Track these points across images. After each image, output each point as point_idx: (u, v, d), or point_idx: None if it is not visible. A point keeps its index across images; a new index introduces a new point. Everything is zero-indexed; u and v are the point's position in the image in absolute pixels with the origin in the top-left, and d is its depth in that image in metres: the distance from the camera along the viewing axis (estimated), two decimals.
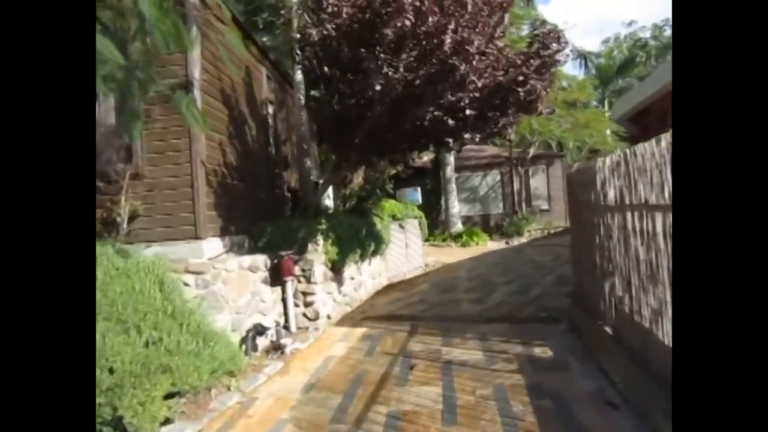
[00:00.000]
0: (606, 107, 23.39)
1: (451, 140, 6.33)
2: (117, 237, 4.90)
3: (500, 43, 5.39)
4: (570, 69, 25.75)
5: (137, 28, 3.10)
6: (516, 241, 15.41)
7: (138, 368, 3.50)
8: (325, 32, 5.23)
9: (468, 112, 5.43)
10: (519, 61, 5.33)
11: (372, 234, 8.25)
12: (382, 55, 4.82)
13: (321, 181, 8.26)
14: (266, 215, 7.07)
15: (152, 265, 4.48)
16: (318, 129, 8.24)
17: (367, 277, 8.49)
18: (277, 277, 6.01)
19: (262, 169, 7.62)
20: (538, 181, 18.22)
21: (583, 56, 26.21)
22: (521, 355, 4.74)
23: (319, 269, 6.38)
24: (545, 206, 18.02)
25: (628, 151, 3.50)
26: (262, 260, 5.80)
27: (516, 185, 17.69)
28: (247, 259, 5.51)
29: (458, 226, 16.46)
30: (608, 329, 4.50)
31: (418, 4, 4.61)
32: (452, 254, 13.20)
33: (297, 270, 6.22)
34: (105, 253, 4.41)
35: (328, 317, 6.57)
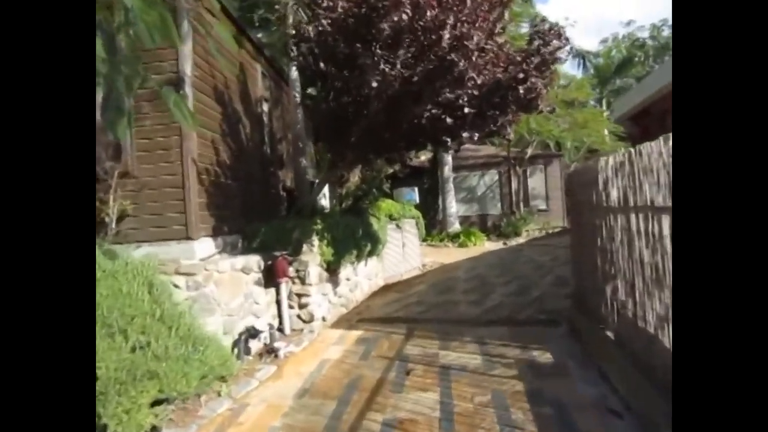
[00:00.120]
0: (604, 107, 23.32)
1: (449, 139, 6.19)
2: (105, 237, 4.75)
3: (500, 40, 5.27)
4: (568, 68, 25.70)
5: (122, 20, 2.97)
6: (514, 242, 15.31)
7: (123, 374, 3.37)
8: (320, 28, 5.09)
9: (467, 110, 5.30)
10: (519, 58, 5.20)
11: (368, 234, 8.13)
12: (378, 51, 4.69)
13: (317, 181, 8.12)
14: (261, 215, 6.93)
15: (141, 266, 4.34)
16: (314, 127, 8.10)
17: (363, 278, 8.36)
18: (271, 278, 5.88)
19: (256, 167, 7.47)
20: (536, 181, 18.14)
21: (581, 56, 26.14)
22: (521, 360, 4.62)
23: (314, 270, 6.25)
24: (543, 206, 17.94)
25: (632, 151, 3.38)
26: (255, 261, 5.66)
27: (514, 185, 17.59)
28: (240, 260, 5.38)
29: (456, 226, 16.35)
30: (610, 334, 4.39)
31: None
32: (450, 254, 13.09)
33: (291, 271, 6.08)
34: None
35: (323, 319, 6.44)
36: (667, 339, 3.13)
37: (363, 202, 8.94)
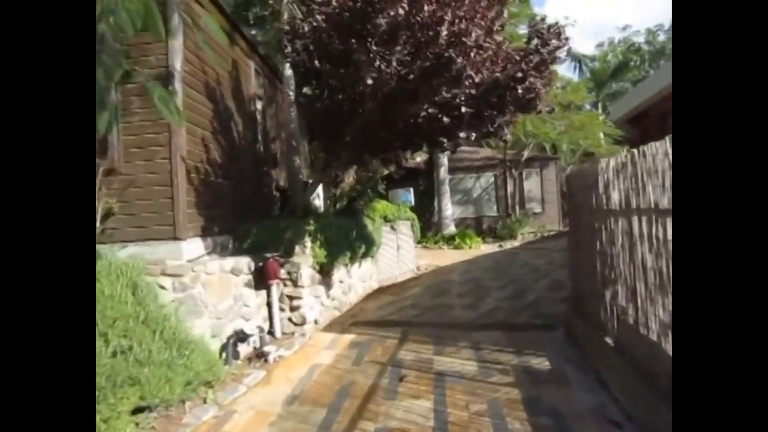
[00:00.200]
0: (600, 110, 23.33)
1: (445, 139, 6.08)
2: None
3: (498, 38, 5.15)
4: (565, 71, 25.72)
5: (103, 7, 2.83)
6: (509, 244, 15.21)
7: (103, 381, 3.21)
8: (314, 23, 4.96)
9: (464, 109, 5.18)
10: (518, 57, 5.09)
11: (363, 236, 7.99)
12: (374, 48, 4.56)
13: (310, 181, 7.98)
14: (253, 215, 6.78)
15: (125, 267, 4.18)
16: (308, 126, 7.96)
17: (357, 280, 8.22)
18: (261, 280, 5.72)
19: (249, 166, 7.32)
20: (531, 184, 18.07)
21: (578, 59, 26.17)
22: (517, 366, 4.50)
23: (307, 272, 6.11)
24: (538, 209, 17.87)
25: (635, 152, 3.27)
26: (245, 262, 5.50)
27: (509, 188, 17.51)
28: (230, 262, 5.22)
29: (451, 229, 16.24)
30: (609, 340, 4.28)
31: None
32: (445, 257, 12.97)
33: (283, 273, 5.93)
34: None
35: (316, 322, 6.29)
36: (670, 347, 3.02)
37: (357, 203, 8.80)
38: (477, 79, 4.84)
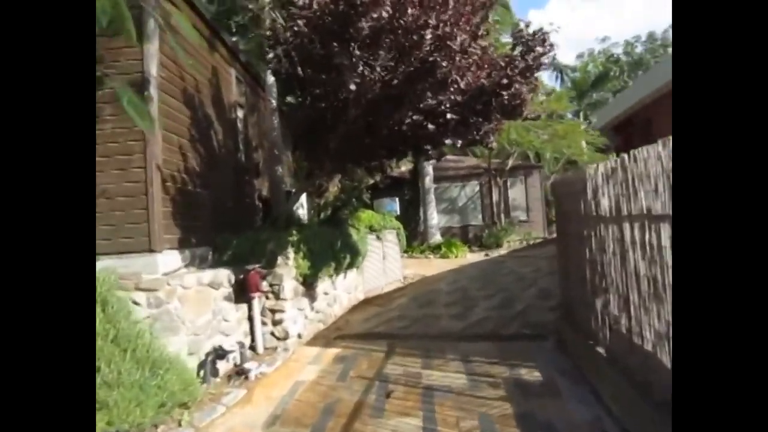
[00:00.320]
0: (581, 119, 23.66)
1: (430, 147, 5.98)
2: None
3: (483, 43, 5.09)
4: (547, 81, 26.06)
5: None
6: (495, 253, 15.17)
7: None
8: (296, 28, 4.83)
9: (449, 116, 5.09)
10: (503, 63, 5.03)
11: (348, 246, 7.82)
12: (357, 52, 4.44)
13: (293, 190, 7.80)
14: (234, 226, 6.56)
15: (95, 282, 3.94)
16: (292, 134, 7.80)
17: (342, 291, 8.03)
18: (242, 293, 5.50)
19: (229, 176, 7.12)
20: (516, 192, 18.14)
21: (559, 69, 26.59)
22: (508, 379, 4.36)
23: (290, 284, 5.90)
24: (524, 217, 17.92)
25: (626, 156, 3.19)
26: (225, 275, 5.28)
27: (495, 196, 17.54)
28: (208, 275, 5.00)
29: (437, 238, 16.15)
30: (601, 350, 4.17)
31: None
32: (431, 266, 12.84)
33: (265, 285, 5.72)
34: None
35: (299, 336, 6.08)
36: (666, 357, 2.92)
37: (342, 212, 8.63)
38: (462, 85, 4.75)
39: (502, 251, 15.51)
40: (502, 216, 17.42)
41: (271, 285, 5.79)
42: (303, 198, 8.57)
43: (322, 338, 6.34)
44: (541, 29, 5.16)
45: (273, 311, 5.78)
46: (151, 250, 4.73)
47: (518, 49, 5.24)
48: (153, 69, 4.88)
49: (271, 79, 7.49)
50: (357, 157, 6.24)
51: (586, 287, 4.52)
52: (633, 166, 3.08)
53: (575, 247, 4.87)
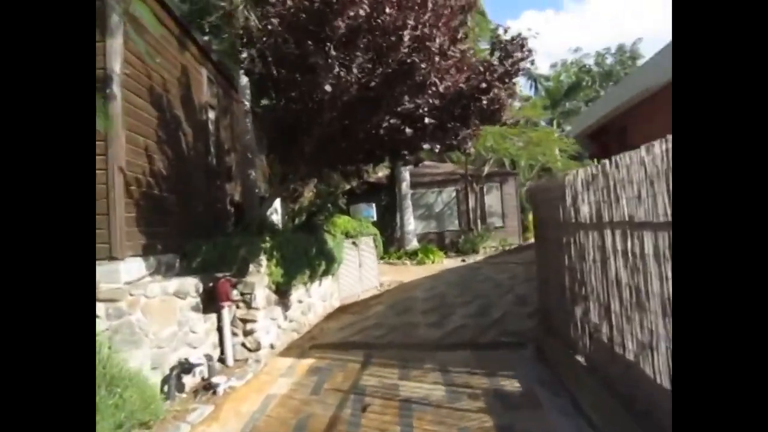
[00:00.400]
0: (554, 127, 24.08)
1: (408, 152, 5.87)
2: None
3: (463, 46, 5.03)
4: (521, 89, 26.45)
5: None
6: (472, 259, 15.18)
7: None
8: (269, 27, 4.65)
9: (427, 120, 4.99)
10: (482, 68, 4.97)
11: (323, 252, 7.62)
12: (333, 52, 4.29)
13: (267, 195, 7.56)
14: (204, 232, 6.28)
15: None
16: (266, 137, 7.57)
17: (317, 299, 7.81)
18: (211, 302, 5.24)
19: (200, 180, 6.83)
20: (492, 199, 18.25)
21: (533, 78, 27.07)
22: (487, 390, 4.25)
23: (262, 293, 5.67)
24: (499, 223, 18.04)
25: (607, 163, 3.14)
26: (192, 284, 5.02)
27: (471, 202, 17.61)
28: (174, 284, 4.73)
29: (414, 244, 16.07)
30: (580, 358, 4.12)
31: None
32: (408, 273, 12.73)
33: (236, 294, 5.47)
34: None
35: (272, 347, 5.84)
36: (649, 367, 2.85)
37: (317, 218, 8.43)
38: (441, 88, 4.66)
39: (479, 257, 15.54)
40: (479, 222, 17.49)
41: (242, 294, 5.54)
42: (277, 203, 8.33)
43: (296, 348, 6.12)
44: (519, 34, 5.13)
45: (244, 321, 5.53)
46: (113, 258, 4.44)
47: (497, 54, 5.19)
48: (116, 66, 4.61)
49: (244, 80, 7.26)
50: (333, 162, 6.07)
51: (565, 295, 4.47)
52: (615, 172, 3.02)
53: (554, 254, 4.83)
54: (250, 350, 5.50)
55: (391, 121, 5.08)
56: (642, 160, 2.61)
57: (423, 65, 4.35)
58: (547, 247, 5.24)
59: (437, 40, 4.38)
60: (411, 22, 4.23)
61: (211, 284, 5.26)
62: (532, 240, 17.09)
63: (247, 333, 5.52)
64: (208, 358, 4.83)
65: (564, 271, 4.44)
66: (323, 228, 8.28)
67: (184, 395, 4.43)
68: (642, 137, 3.30)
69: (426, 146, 5.31)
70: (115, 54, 4.60)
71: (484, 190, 17.99)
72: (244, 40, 5.27)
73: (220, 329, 5.34)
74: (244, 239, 5.98)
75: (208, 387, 4.54)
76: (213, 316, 5.30)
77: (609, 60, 30.69)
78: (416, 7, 4.33)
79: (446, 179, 18.11)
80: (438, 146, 5.41)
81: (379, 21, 4.15)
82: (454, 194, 18.15)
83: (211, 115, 7.53)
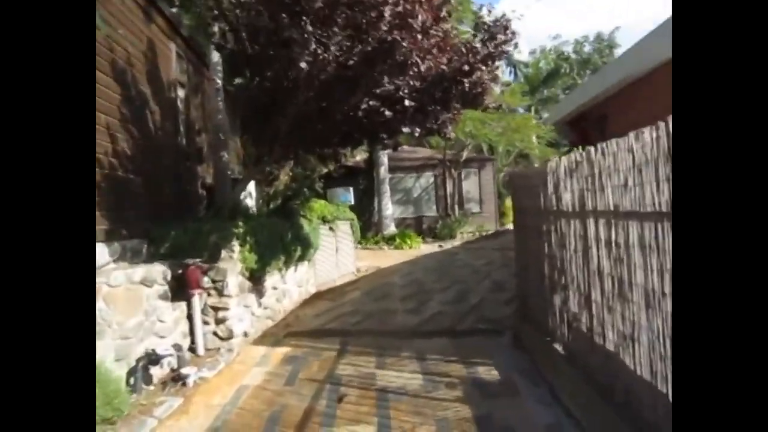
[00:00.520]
0: (532, 114, 24.19)
1: (387, 135, 5.71)
2: None
3: (446, 26, 4.85)
4: (501, 75, 26.38)
5: None
6: (449, 244, 15.22)
7: None
8: None
9: (407, 103, 4.82)
10: (464, 50, 4.81)
11: (299, 238, 7.42)
12: (309, 28, 4.05)
13: (241, 178, 7.29)
14: (174, 216, 6.00)
15: None
16: (239, 117, 7.26)
17: (292, 285, 7.64)
18: (181, 290, 5.02)
19: (169, 161, 6.51)
20: (470, 184, 18.29)
21: (513, 65, 27.04)
22: (465, 379, 4.21)
23: (234, 280, 5.46)
24: (477, 209, 18.13)
25: (592, 150, 3.05)
26: (160, 271, 4.78)
27: (449, 188, 17.60)
28: (140, 271, 4.48)
29: (391, 229, 16.00)
30: (559, 347, 4.09)
31: None
32: (385, 258, 12.66)
33: (207, 281, 5.25)
34: None
35: (245, 335, 5.67)
36: (629, 358, 2.82)
37: (293, 202, 8.20)
38: (423, 68, 4.49)
39: (456, 242, 15.60)
40: (456, 208, 17.53)
41: (213, 281, 5.32)
42: (251, 186, 8.05)
43: (271, 336, 5.96)
44: (503, 15, 4.99)
45: (216, 309, 5.32)
46: None
47: (480, 35, 5.04)
48: None
49: (216, 57, 6.91)
50: (309, 144, 5.86)
51: (544, 283, 4.43)
52: (600, 159, 2.93)
53: (533, 242, 4.78)
54: (222, 339, 5.31)
55: (370, 102, 4.90)
56: (630, 147, 2.52)
57: (404, 43, 4.15)
58: (526, 234, 5.18)
59: (419, 17, 4.19)
60: None
61: (180, 271, 5.03)
62: (508, 226, 17.32)
63: (219, 321, 5.32)
64: (177, 348, 4.63)
65: (543, 259, 4.39)
66: (299, 213, 8.06)
67: (151, 388, 4.23)
68: (622, 125, 3.24)
69: (406, 130, 5.15)
70: None
71: (462, 175, 17.99)
72: (215, 12, 4.95)
73: (190, 318, 5.13)
74: (215, 224, 5.74)
75: (177, 378, 4.35)
76: (183, 305, 5.08)
77: (587, 48, 30.93)
78: None
79: (424, 164, 18.02)
80: (418, 130, 5.26)
81: None
82: (432, 179, 18.09)
83: (181, 93, 7.16)
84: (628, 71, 4.91)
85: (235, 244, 5.58)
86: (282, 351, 5.30)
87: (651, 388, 2.52)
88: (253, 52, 4.80)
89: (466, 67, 4.75)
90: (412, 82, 4.65)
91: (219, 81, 6.92)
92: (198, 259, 5.19)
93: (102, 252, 4.60)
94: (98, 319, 3.90)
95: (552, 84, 27.62)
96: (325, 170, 12.66)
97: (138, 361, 4.16)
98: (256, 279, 6.06)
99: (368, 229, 15.60)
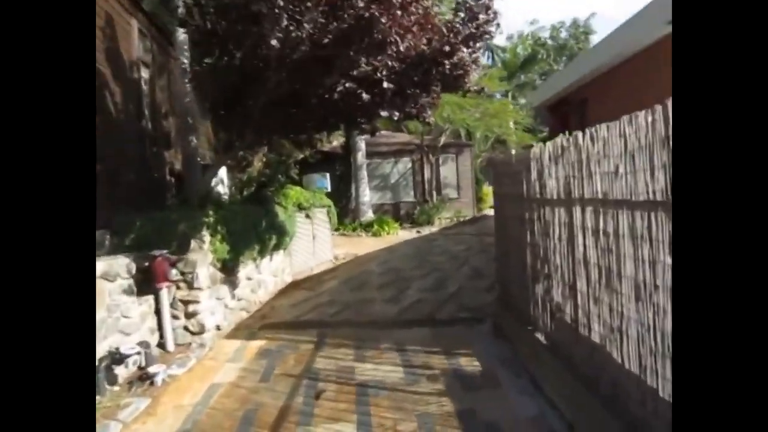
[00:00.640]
0: (509, 99, 24.18)
1: (364, 120, 5.49)
2: None
3: (426, 2, 4.62)
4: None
5: None
6: (427, 230, 15.15)
7: None
8: None
9: (386, 85, 4.61)
10: (445, 30, 4.61)
11: (274, 226, 7.17)
12: (280, 2, 3.77)
13: (212, 164, 6.95)
14: (139, 205, 5.67)
15: None
16: (209, 100, 6.89)
17: (268, 275, 7.40)
18: (147, 284, 4.74)
19: (132, 147, 6.14)
20: (447, 170, 18.18)
21: (490, 49, 26.89)
22: (447, 370, 4.11)
23: (205, 271, 5.20)
24: (454, 195, 18.07)
25: (580, 135, 2.92)
26: (123, 264, 4.49)
27: (427, 173, 17.45)
28: (101, 264, 4.19)
29: (369, 215, 15.80)
30: (540, 336, 4.03)
31: None
32: (363, 245, 12.49)
33: (175, 274, 4.98)
34: None
35: (218, 328, 5.44)
36: (616, 351, 2.74)
37: (268, 189, 7.92)
38: (402, 47, 4.26)
39: (434, 228, 15.54)
40: (434, 193, 17.43)
41: (182, 273, 5.05)
42: (223, 173, 7.72)
43: (245, 329, 5.75)
44: None
45: (186, 302, 5.07)
46: None
47: (461, 15, 4.83)
48: None
49: (182, 35, 6.49)
50: (283, 129, 5.59)
51: (525, 272, 4.35)
52: (589, 144, 2.81)
53: (515, 229, 4.68)
54: (193, 333, 5.08)
55: (347, 85, 4.66)
56: (622, 132, 2.40)
57: (383, 20, 3.91)
58: (507, 221, 5.09)
59: None
60: None
61: (146, 263, 4.74)
62: (486, 211, 17.36)
63: (189, 315, 5.07)
64: (144, 345, 4.38)
65: (526, 247, 4.30)
66: (274, 200, 7.79)
67: (116, 388, 3.99)
68: (602, 110, 3.14)
69: (384, 114, 4.95)
70: None
71: (440, 161, 17.86)
72: None
73: (158, 312, 4.87)
74: (184, 213, 5.44)
75: (144, 377, 4.12)
76: (150, 299, 4.81)
77: (563, 34, 31.02)
78: None
79: (402, 149, 17.80)
80: (397, 114, 5.05)
81: None
82: (409, 165, 17.90)
83: (145, 73, 6.75)
84: (610, 56, 4.81)
85: (206, 234, 5.30)
86: (257, 344, 5.11)
87: (640, 383, 2.44)
88: (221, 29, 4.48)
89: (447, 48, 4.55)
90: (390, 63, 4.43)
91: (186, 61, 6.52)
92: (165, 251, 4.90)
93: None
94: None
95: (529, 69, 27.61)
96: (300, 156, 12.33)
97: (100, 361, 3.90)
98: (228, 270, 5.80)
99: (345, 215, 15.37)
